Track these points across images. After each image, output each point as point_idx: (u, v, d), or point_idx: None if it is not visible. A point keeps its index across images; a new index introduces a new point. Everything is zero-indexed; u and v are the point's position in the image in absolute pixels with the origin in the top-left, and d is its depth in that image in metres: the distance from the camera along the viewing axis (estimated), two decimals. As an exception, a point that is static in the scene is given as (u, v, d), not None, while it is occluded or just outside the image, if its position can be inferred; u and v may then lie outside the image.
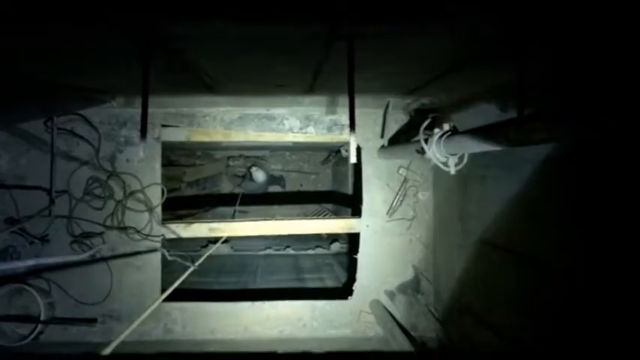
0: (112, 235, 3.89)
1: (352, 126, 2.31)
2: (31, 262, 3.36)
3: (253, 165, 7.63)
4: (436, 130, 2.74)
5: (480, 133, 2.24)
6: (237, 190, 7.86)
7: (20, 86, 2.62)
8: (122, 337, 2.34)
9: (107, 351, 2.17)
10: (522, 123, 1.94)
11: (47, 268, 3.79)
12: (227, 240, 6.59)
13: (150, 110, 2.46)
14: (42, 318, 3.63)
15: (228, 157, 7.84)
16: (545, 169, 2.49)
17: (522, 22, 1.73)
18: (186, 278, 5.25)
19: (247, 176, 7.73)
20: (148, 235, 3.92)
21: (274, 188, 8.30)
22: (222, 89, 3.27)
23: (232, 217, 6.99)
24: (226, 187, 8.06)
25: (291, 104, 4.00)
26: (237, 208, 8.12)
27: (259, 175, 7.48)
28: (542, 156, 2.49)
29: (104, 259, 3.89)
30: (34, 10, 1.47)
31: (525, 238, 2.72)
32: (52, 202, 3.75)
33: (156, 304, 3.01)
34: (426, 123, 2.94)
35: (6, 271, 3.63)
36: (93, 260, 3.86)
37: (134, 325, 2.55)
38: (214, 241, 6.51)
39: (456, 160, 2.72)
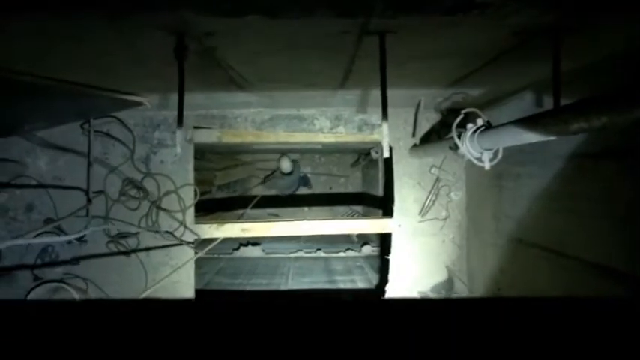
0: (147, 235, 3.96)
1: (385, 114, 2.30)
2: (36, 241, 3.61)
3: (282, 155, 7.34)
4: (469, 126, 2.69)
5: (515, 125, 2.19)
6: (269, 192, 7.88)
7: (56, 90, 2.69)
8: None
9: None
10: (558, 113, 1.89)
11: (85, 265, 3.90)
12: (258, 242, 6.67)
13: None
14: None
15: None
16: (581, 164, 2.42)
17: (563, 8, 1.69)
18: (219, 280, 5.36)
19: (277, 170, 7.52)
20: (182, 235, 3.98)
21: (302, 190, 8.31)
22: (253, 89, 3.30)
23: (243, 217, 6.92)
24: (257, 189, 8.14)
25: (321, 104, 3.99)
26: (269, 211, 8.20)
27: (286, 165, 7.21)
28: (578, 150, 2.42)
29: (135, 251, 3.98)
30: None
31: (562, 235, 2.64)
32: (89, 201, 3.84)
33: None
34: (459, 119, 2.89)
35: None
36: (128, 258, 3.95)
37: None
38: (245, 243, 6.61)
39: (491, 156, 2.67)
